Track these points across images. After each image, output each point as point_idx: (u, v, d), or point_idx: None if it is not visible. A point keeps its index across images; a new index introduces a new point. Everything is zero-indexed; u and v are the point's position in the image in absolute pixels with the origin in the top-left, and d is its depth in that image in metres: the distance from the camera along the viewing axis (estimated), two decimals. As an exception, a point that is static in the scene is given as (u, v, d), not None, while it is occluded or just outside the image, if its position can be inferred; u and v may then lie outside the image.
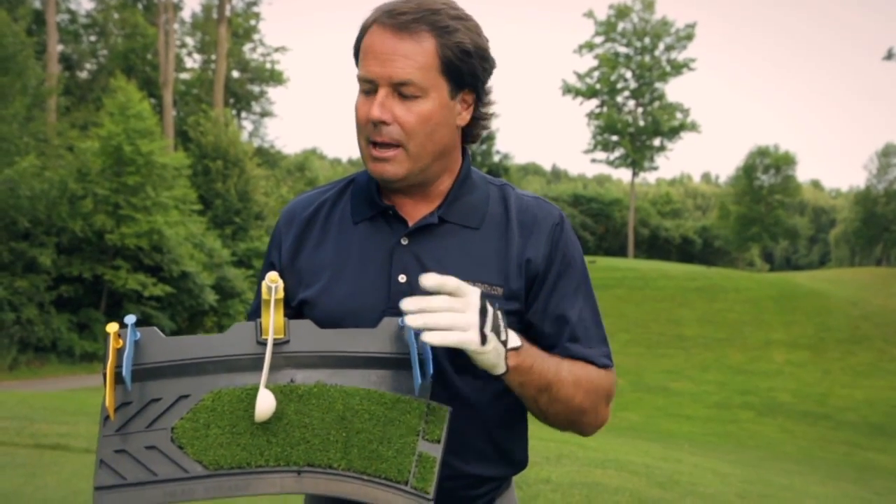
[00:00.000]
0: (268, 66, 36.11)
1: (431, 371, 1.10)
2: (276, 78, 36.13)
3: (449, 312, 1.09)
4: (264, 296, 1.15)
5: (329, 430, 1.11)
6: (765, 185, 50.44)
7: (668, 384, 19.41)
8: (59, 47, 28.10)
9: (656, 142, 46.77)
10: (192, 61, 36.27)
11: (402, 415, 1.13)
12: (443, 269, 1.27)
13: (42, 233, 18.76)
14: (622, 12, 46.37)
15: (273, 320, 1.13)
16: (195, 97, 32.49)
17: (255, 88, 36.70)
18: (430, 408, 1.14)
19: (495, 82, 1.35)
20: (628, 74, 46.94)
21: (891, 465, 13.12)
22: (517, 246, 1.30)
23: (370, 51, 1.24)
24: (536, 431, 1.55)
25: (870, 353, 21.44)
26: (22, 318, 17.82)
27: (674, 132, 46.09)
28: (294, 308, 1.34)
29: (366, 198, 1.36)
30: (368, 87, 1.25)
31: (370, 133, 1.25)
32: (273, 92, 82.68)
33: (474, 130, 1.36)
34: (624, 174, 78.18)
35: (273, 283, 1.14)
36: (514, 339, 1.18)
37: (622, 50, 46.78)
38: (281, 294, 1.14)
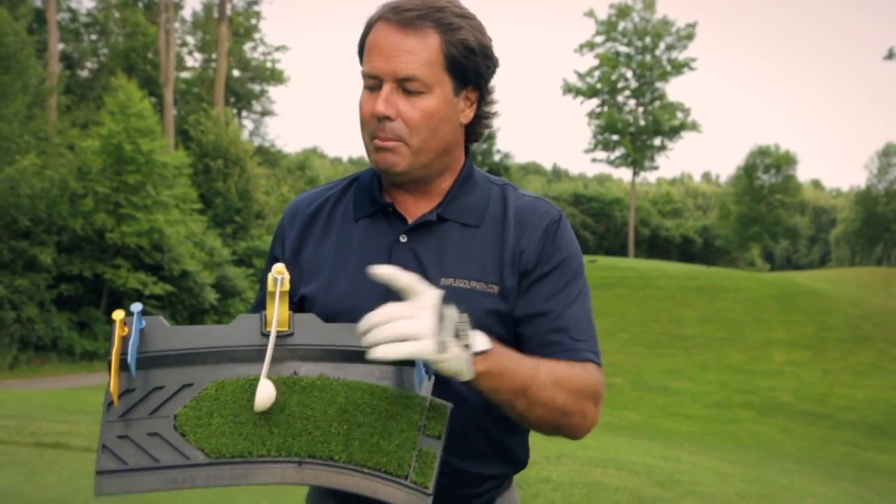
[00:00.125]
0: (268, 65, 36.19)
1: (434, 369, 1.10)
2: (276, 77, 36.18)
3: (401, 321, 1.00)
4: (270, 287, 1.14)
5: (331, 423, 1.12)
6: (765, 185, 50.50)
7: (669, 384, 19.40)
8: (60, 46, 28.14)
9: (657, 141, 46.82)
10: (193, 60, 36.40)
11: (404, 410, 1.13)
12: (440, 267, 1.28)
13: (42, 231, 18.75)
14: (623, 12, 46.39)
15: (277, 312, 1.13)
16: (196, 96, 32.51)
17: (256, 87, 36.76)
18: (432, 404, 1.14)
19: (496, 81, 1.35)
20: (629, 74, 47.01)
21: (891, 465, 13.11)
22: (511, 242, 1.30)
23: (375, 46, 1.25)
24: (536, 430, 1.54)
25: (870, 352, 21.43)
26: (22, 317, 17.82)
27: (674, 132, 46.13)
28: (295, 303, 1.35)
29: (367, 195, 1.36)
30: (373, 83, 1.26)
31: (374, 129, 1.26)
32: (274, 91, 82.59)
33: (477, 129, 1.36)
34: (624, 174, 78.51)
35: (279, 274, 1.14)
36: (482, 343, 1.09)
37: (623, 49, 46.84)
38: (287, 286, 1.14)
